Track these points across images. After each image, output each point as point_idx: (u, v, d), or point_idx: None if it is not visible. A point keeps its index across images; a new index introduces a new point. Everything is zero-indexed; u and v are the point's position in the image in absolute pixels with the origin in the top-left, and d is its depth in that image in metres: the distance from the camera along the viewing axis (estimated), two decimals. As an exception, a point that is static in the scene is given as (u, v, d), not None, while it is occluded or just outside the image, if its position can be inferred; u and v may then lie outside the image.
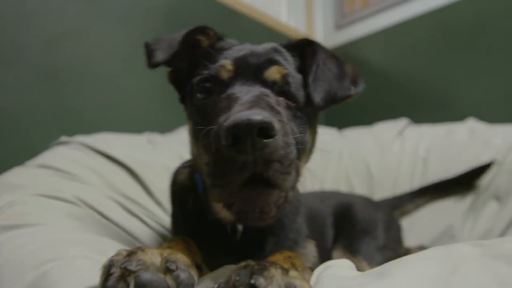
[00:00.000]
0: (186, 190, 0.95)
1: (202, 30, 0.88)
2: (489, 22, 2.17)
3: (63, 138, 1.38)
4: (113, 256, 0.54)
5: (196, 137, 0.79)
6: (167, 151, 1.57)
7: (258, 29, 2.56)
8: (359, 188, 1.96)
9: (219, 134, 0.60)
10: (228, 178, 0.63)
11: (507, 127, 1.78)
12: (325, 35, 3.03)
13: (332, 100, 0.83)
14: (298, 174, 0.75)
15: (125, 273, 0.51)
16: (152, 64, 0.83)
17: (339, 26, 2.92)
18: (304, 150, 0.79)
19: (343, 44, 2.87)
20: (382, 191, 1.87)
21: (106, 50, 1.77)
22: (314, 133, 0.87)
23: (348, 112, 2.64)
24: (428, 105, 2.37)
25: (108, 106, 1.76)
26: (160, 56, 0.82)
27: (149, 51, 0.84)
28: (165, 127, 1.83)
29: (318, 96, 0.80)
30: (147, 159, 1.42)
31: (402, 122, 2.18)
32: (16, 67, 1.50)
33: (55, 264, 0.64)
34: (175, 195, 1.01)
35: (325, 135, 2.30)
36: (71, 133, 1.44)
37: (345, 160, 2.08)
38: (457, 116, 2.09)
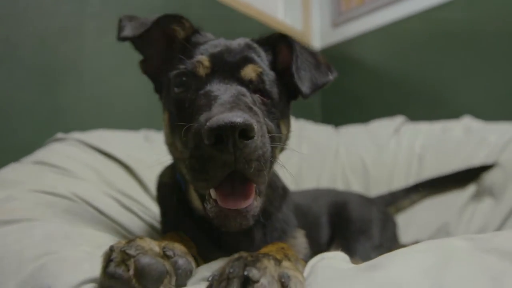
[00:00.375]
0: (170, 190, 0.97)
1: (178, 19, 0.90)
2: (485, 21, 2.18)
3: (59, 135, 1.38)
4: (113, 244, 0.55)
5: (172, 128, 0.83)
6: (164, 148, 1.57)
7: (255, 27, 2.56)
8: (356, 185, 1.97)
9: (201, 133, 0.63)
10: (209, 174, 0.66)
11: (502, 125, 1.79)
12: (321, 33, 3.03)
13: (315, 87, 0.87)
14: (271, 167, 0.80)
15: (125, 258, 0.53)
16: (120, 38, 0.85)
17: (336, 24, 2.92)
18: (278, 143, 0.82)
19: (339, 42, 2.88)
20: (378, 188, 1.88)
21: (102, 47, 1.77)
22: (287, 125, 0.91)
23: (345, 110, 2.65)
24: (424, 102, 2.38)
25: (104, 103, 1.76)
26: (129, 31, 0.84)
27: (120, 26, 0.85)
28: (161, 124, 1.83)
29: (304, 86, 0.84)
30: (143, 156, 1.43)
31: (398, 119, 2.19)
32: (11, 65, 1.50)
33: (53, 257, 0.64)
34: (161, 196, 1.03)
35: (321, 132, 2.31)
36: (67, 129, 1.44)
37: (341, 158, 2.08)
38: (453, 114, 2.10)
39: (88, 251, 0.67)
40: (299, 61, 0.85)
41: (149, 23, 0.84)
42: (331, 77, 0.90)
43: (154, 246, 0.58)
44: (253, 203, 0.70)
